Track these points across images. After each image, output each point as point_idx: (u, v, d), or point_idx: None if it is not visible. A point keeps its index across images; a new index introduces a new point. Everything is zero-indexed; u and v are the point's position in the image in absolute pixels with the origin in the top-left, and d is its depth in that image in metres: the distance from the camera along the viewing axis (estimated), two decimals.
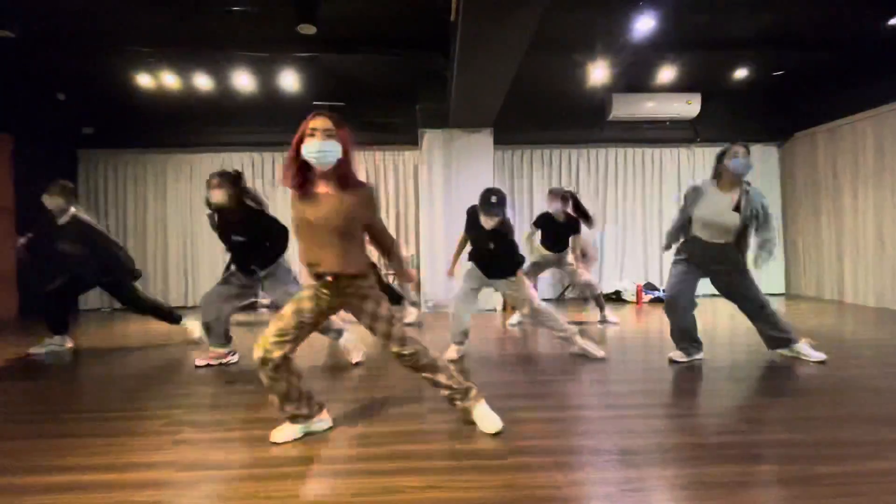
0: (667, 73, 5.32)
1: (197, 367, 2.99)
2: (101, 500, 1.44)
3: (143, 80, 4.97)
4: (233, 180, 2.92)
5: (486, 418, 1.89)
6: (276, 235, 3.00)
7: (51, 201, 3.39)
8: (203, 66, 4.88)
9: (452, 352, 3.13)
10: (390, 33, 4.41)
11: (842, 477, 1.50)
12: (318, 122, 1.68)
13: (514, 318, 4.46)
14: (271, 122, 5.81)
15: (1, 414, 2.27)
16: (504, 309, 4.42)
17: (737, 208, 2.78)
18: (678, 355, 2.93)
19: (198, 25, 4.17)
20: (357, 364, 3.01)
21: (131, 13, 3.93)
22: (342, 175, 1.72)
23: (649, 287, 6.14)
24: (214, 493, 1.47)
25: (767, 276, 6.55)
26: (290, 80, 5.04)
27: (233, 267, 3.06)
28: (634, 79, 5.48)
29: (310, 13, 3.83)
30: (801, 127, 6.19)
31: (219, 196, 2.89)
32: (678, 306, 2.89)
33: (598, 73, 5.18)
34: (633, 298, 6.01)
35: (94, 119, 5.94)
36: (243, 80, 5.01)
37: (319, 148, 1.66)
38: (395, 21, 4.20)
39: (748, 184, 2.84)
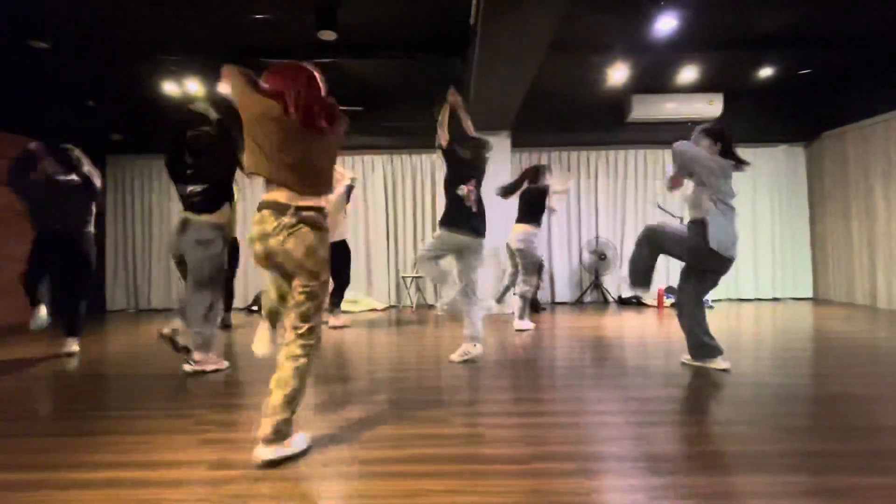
0: (688, 74, 5.24)
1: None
2: (133, 496, 1.47)
3: (169, 87, 5.12)
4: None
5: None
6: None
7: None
8: None
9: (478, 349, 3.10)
10: (408, 38, 4.45)
11: (880, 489, 1.44)
12: None
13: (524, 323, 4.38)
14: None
15: (33, 411, 2.34)
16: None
17: None
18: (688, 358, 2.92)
19: (222, 34, 4.27)
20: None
21: (157, 23, 4.05)
22: None
23: (671, 291, 6.02)
24: (241, 492, 1.49)
25: (794, 280, 6.39)
26: None
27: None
28: (654, 79, 5.41)
29: (330, 19, 3.89)
30: (828, 126, 6.02)
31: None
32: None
33: (618, 74, 5.13)
34: (654, 303, 5.91)
35: (121, 126, 6.12)
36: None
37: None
38: (413, 26, 4.23)
39: None
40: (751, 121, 6.03)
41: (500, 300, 4.64)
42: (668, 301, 5.85)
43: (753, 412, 2.15)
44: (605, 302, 6.32)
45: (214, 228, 2.85)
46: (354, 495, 1.46)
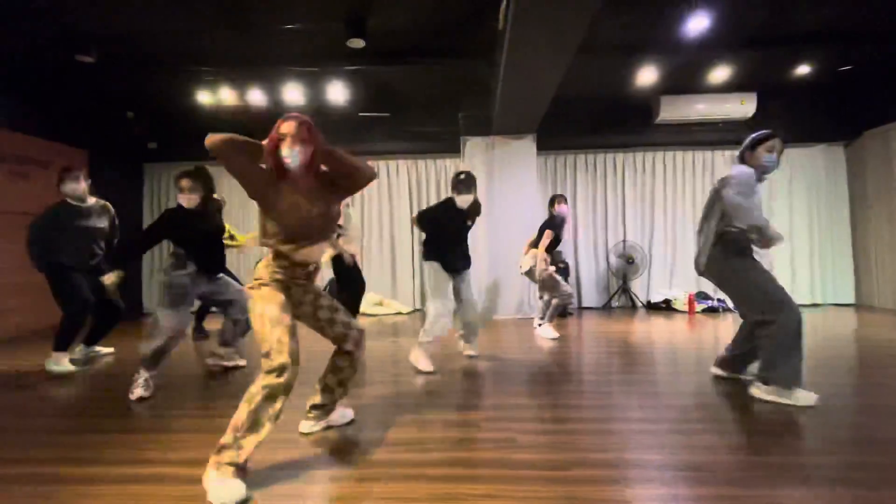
0: (719, 73, 5.11)
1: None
2: (180, 491, 1.53)
3: (203, 97, 5.30)
4: (205, 180, 2.86)
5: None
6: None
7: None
8: (257, 83, 5.14)
9: (469, 349, 3.40)
10: (435, 44, 4.49)
11: None
12: (289, 128, 1.69)
13: (550, 331, 4.32)
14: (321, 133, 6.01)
15: (81, 409, 2.45)
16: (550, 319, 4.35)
17: None
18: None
19: (254, 44, 4.40)
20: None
21: (193, 36, 4.20)
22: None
23: (702, 296, 5.86)
24: (284, 491, 1.53)
25: (834, 286, 6.13)
26: (337, 93, 5.22)
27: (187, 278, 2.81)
28: (684, 79, 5.29)
29: (359, 28, 3.96)
30: (871, 125, 5.76)
31: (193, 201, 2.80)
32: None
33: (646, 75, 5.05)
34: (685, 308, 5.75)
35: (158, 135, 6.36)
36: (294, 95, 5.23)
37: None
38: (440, 32, 4.26)
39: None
40: (787, 120, 5.82)
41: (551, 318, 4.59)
42: (700, 307, 5.69)
43: (796, 422, 2.07)
44: (634, 307, 6.19)
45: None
46: (394, 497, 1.47)
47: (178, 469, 1.69)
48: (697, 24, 3.95)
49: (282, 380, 1.59)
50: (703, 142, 6.14)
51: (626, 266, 6.11)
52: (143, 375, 2.59)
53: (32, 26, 3.90)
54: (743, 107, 5.60)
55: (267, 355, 1.61)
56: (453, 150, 6.02)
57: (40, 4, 3.59)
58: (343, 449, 1.84)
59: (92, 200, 3.45)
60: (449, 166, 6.39)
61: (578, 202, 6.29)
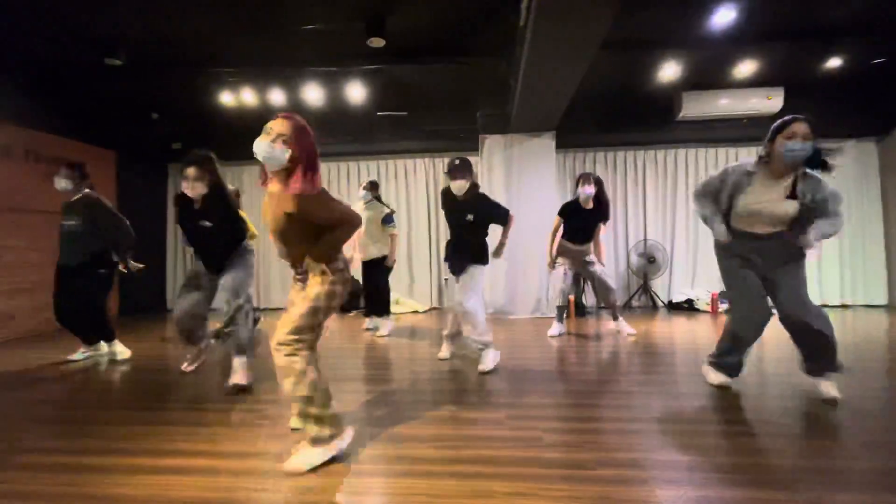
0: (744, 68, 4.98)
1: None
2: (210, 483, 1.56)
3: (226, 98, 5.39)
4: (212, 166, 2.65)
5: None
6: (235, 218, 2.81)
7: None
8: (278, 83, 5.21)
9: (445, 351, 3.34)
10: (454, 42, 4.48)
11: None
12: (275, 123, 1.74)
13: (555, 329, 4.26)
14: (339, 133, 6.07)
15: (112, 402, 2.53)
16: (567, 315, 4.32)
17: (792, 195, 2.22)
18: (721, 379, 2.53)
19: (275, 45, 4.46)
20: None
21: (217, 38, 4.28)
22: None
23: (725, 296, 5.73)
24: (312, 486, 1.55)
25: (865, 286, 5.94)
26: (356, 92, 5.25)
27: (199, 265, 2.81)
28: (707, 75, 5.18)
29: (379, 27, 3.98)
30: None
31: (200, 189, 2.61)
32: (763, 320, 2.34)
33: (668, 70, 4.96)
34: (707, 307, 5.64)
35: (182, 135, 6.50)
36: (314, 94, 5.28)
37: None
38: (460, 30, 4.25)
39: (805, 171, 2.24)
40: (816, 115, 5.54)
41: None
42: (723, 307, 5.58)
43: (827, 425, 2.01)
44: (654, 307, 6.10)
45: None
46: (422, 493, 1.48)
47: (209, 461, 1.73)
48: (722, 17, 3.86)
49: None
50: (727, 139, 6.01)
51: (647, 265, 6.02)
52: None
53: (63, 31, 4.02)
54: (769, 102, 5.45)
55: None
56: (472, 148, 6.01)
57: (70, 10, 3.70)
58: (369, 445, 1.86)
59: (75, 197, 3.31)
60: None
61: None
